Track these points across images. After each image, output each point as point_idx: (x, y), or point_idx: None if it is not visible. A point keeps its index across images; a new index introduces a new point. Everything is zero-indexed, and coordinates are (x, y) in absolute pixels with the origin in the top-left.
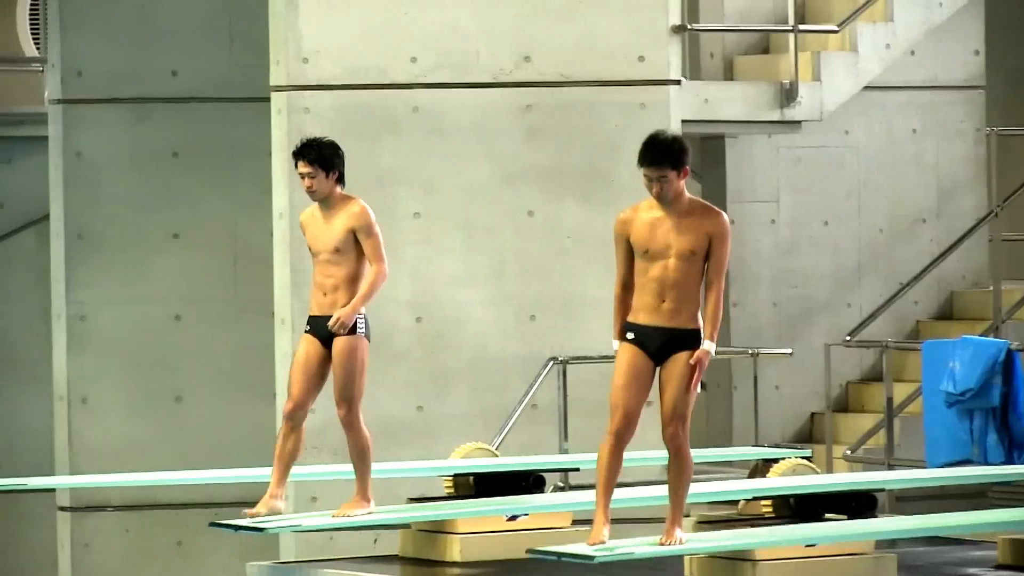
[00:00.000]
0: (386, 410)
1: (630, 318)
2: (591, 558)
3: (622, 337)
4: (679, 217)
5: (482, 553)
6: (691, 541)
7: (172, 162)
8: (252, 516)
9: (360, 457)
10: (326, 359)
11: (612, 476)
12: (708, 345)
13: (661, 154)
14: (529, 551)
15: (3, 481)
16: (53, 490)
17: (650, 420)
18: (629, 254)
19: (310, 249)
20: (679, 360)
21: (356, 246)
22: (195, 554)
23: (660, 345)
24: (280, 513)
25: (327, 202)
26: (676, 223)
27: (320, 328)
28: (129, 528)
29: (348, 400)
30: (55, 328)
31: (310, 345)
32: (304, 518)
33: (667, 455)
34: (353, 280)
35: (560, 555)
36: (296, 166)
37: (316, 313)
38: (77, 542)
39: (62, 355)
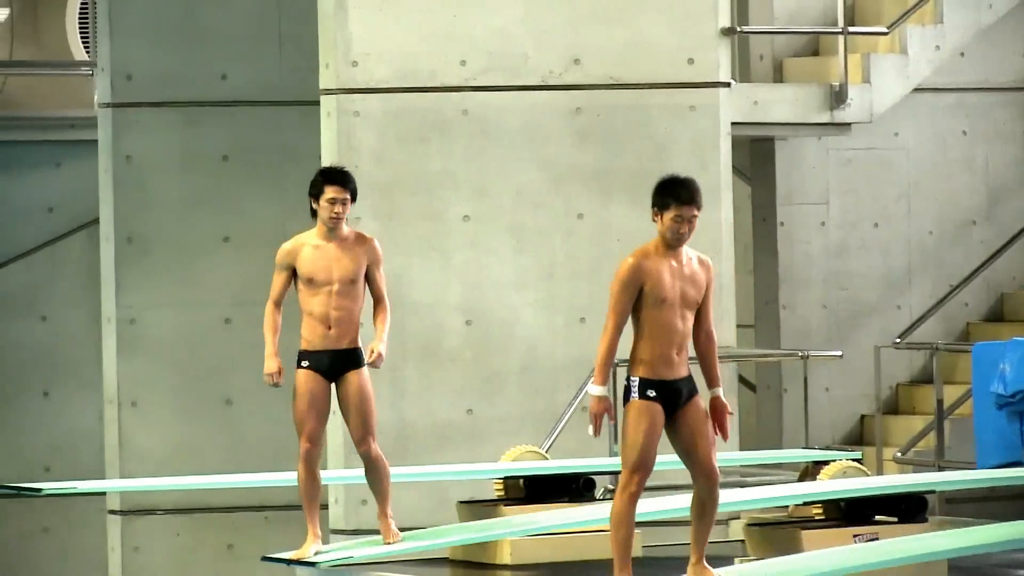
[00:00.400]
0: (436, 413)
1: (646, 374)
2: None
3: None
4: (681, 266)
5: (533, 556)
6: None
7: (221, 166)
8: (300, 558)
9: (387, 481)
10: (329, 393)
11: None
12: (719, 391)
13: (697, 193)
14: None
15: (54, 485)
16: (103, 494)
17: None
18: (632, 303)
19: (307, 280)
20: (699, 406)
21: (362, 280)
22: (245, 557)
23: (682, 397)
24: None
25: (336, 233)
26: (681, 271)
27: (323, 362)
28: (179, 531)
29: (372, 434)
30: (105, 332)
31: (314, 381)
32: (355, 548)
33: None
34: (358, 313)
35: (289, 562)
36: (327, 190)
37: (321, 348)
38: (127, 545)
39: (112, 359)
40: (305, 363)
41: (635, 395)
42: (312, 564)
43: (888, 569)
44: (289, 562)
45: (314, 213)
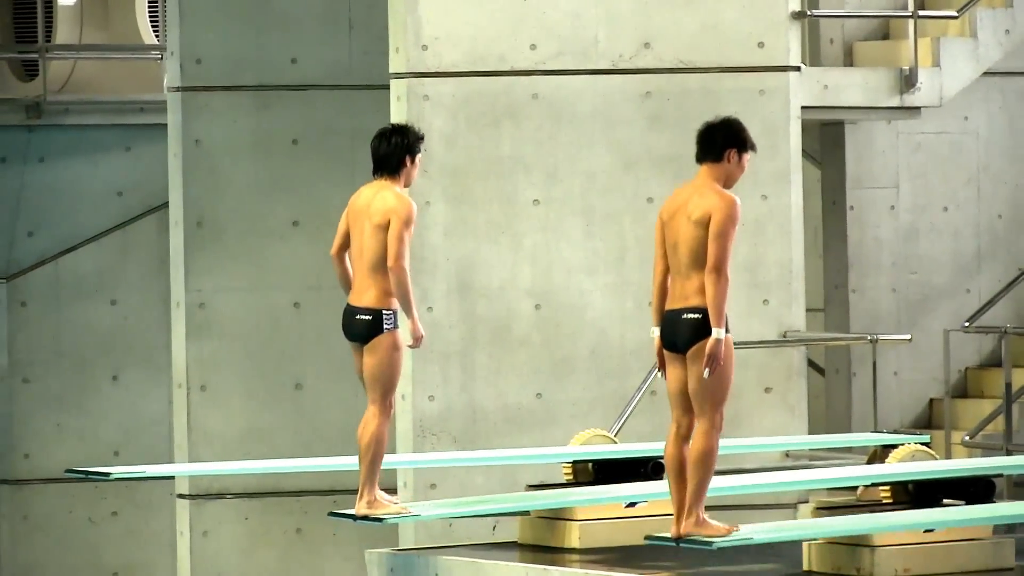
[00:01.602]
0: (506, 397)
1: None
2: (710, 544)
3: None
4: None
5: (601, 539)
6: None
7: (291, 150)
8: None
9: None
10: None
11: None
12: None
13: None
14: (647, 538)
15: (123, 469)
16: (172, 478)
17: (770, 406)
18: None
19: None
20: None
21: None
22: (314, 541)
23: None
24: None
25: None
26: None
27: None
28: (248, 516)
29: None
30: (174, 316)
31: None
32: (424, 507)
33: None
34: None
35: (679, 541)
36: (418, 156)
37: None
38: (196, 530)
39: (181, 343)
40: (397, 325)
41: (725, 332)
42: (379, 520)
43: (957, 548)
44: (356, 518)
45: (400, 168)
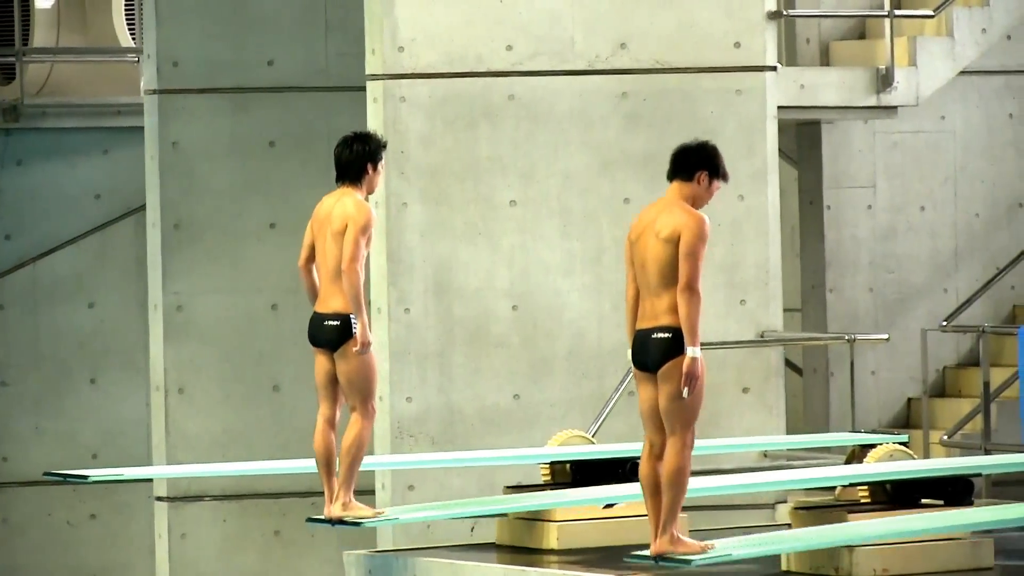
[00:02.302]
0: (483, 398)
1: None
2: (688, 562)
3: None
4: None
5: (579, 540)
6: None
7: (268, 152)
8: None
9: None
10: None
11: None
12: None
13: None
14: (627, 557)
15: (101, 472)
16: (150, 480)
17: (748, 406)
18: None
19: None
20: None
21: None
22: (293, 543)
23: None
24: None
25: None
26: None
27: None
28: (227, 518)
29: None
30: (152, 318)
31: None
32: (401, 511)
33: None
34: None
35: (657, 559)
36: (380, 163)
37: None
38: (174, 532)
39: (159, 345)
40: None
41: (698, 352)
42: (357, 524)
43: (936, 548)
44: (334, 522)
45: (363, 176)
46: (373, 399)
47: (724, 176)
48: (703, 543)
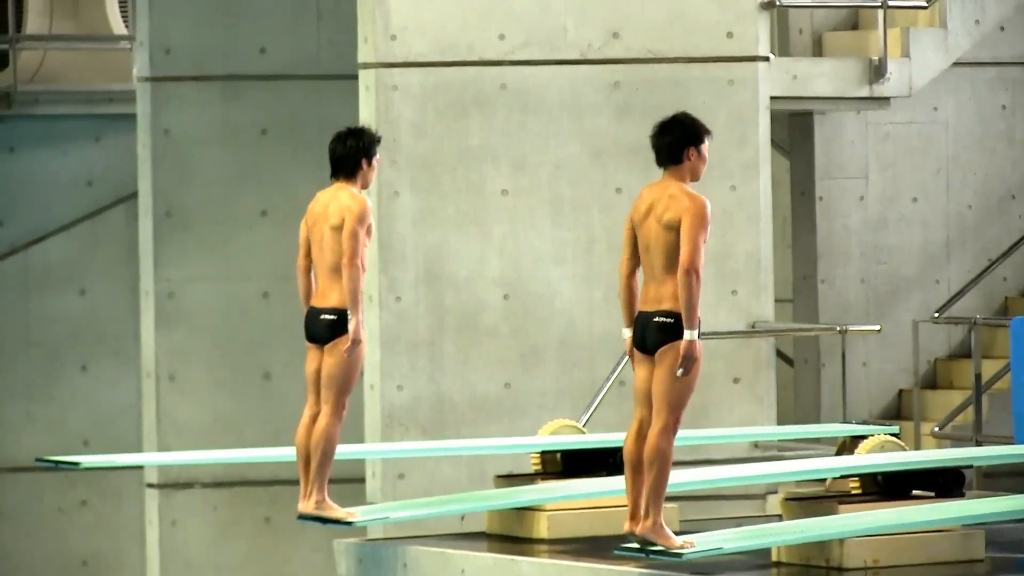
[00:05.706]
0: (474, 387)
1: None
2: (679, 556)
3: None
4: None
5: (569, 530)
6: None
7: (260, 139)
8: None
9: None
10: None
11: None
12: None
13: None
14: (617, 550)
15: (92, 459)
16: (142, 467)
17: (738, 397)
18: None
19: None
20: None
21: None
22: (283, 531)
23: None
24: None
25: None
26: None
27: None
28: (217, 505)
29: None
30: (143, 305)
31: None
32: (392, 509)
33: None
34: None
35: (648, 553)
36: (375, 158)
37: None
38: (165, 519)
39: (150, 332)
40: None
41: (697, 335)
42: (348, 523)
43: (926, 540)
44: (326, 521)
45: (357, 171)
46: (346, 397)
47: (707, 133)
48: (684, 539)
